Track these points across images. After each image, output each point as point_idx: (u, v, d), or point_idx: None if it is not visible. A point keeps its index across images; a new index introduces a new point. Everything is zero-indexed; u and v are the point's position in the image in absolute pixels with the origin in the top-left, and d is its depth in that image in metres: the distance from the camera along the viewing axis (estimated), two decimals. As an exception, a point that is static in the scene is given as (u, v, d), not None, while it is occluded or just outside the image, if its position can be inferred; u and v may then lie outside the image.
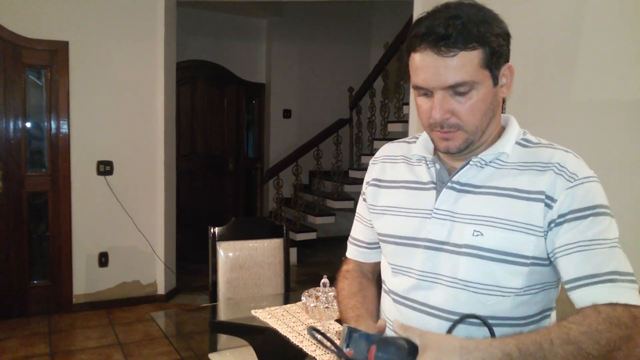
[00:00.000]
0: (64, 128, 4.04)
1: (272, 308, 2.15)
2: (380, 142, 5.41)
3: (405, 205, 1.15)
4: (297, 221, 5.82)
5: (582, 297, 0.97)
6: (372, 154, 4.67)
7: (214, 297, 2.46)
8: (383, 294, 1.22)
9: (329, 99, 6.51)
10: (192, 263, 5.08)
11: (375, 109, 5.95)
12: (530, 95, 2.85)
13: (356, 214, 1.34)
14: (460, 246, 1.04)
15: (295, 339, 1.83)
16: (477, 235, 1.03)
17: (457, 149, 1.06)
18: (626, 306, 0.93)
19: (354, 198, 5.92)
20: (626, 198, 2.39)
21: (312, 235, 5.81)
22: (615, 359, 0.91)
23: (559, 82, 2.68)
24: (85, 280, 4.17)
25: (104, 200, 4.17)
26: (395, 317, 1.12)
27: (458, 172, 1.09)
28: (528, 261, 1.01)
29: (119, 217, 4.22)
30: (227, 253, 2.47)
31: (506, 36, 1.04)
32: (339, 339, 1.85)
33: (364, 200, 1.29)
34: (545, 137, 2.69)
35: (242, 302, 2.41)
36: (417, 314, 1.09)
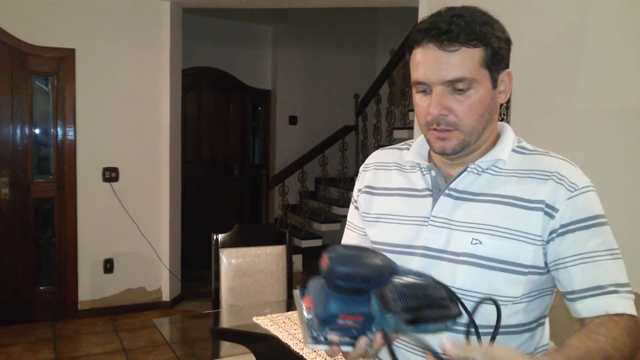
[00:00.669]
0: (70, 134, 4.07)
1: (274, 315, 2.15)
2: (385, 148, 5.38)
3: (400, 213, 1.13)
4: (302, 228, 5.81)
5: (588, 308, 0.98)
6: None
7: (216, 304, 2.46)
8: None
9: (335, 106, 6.51)
10: (198, 269, 5.08)
11: (381, 115, 5.94)
12: (533, 101, 2.85)
13: (347, 223, 1.31)
14: (458, 254, 1.03)
15: (295, 346, 1.82)
16: (476, 243, 1.01)
17: (452, 149, 1.04)
18: (631, 317, 0.96)
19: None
20: (628, 203, 2.37)
21: (317, 242, 5.80)
22: None
23: (562, 88, 2.68)
24: (91, 287, 4.19)
25: (109, 207, 4.19)
26: None
27: (455, 179, 1.08)
28: (526, 270, 1.00)
29: (124, 224, 4.24)
30: (230, 260, 2.47)
31: (507, 42, 1.05)
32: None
33: (356, 208, 1.26)
34: (548, 142, 2.67)
35: (245, 309, 2.41)
36: None
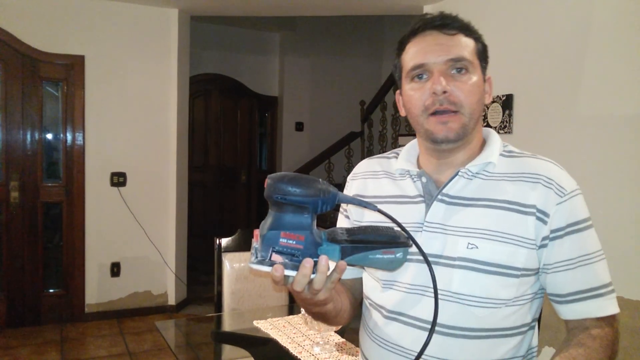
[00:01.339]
0: (79, 140, 4.14)
1: (274, 319, 2.18)
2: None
3: None
4: (308, 233, 5.82)
5: (571, 311, 1.05)
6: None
7: (219, 307, 2.50)
8: (369, 309, 1.20)
9: (341, 112, 6.55)
10: (204, 274, 5.13)
11: (387, 122, 5.96)
12: (536, 109, 2.86)
13: None
14: (454, 259, 1.04)
15: (294, 350, 1.85)
16: (471, 248, 1.03)
17: (455, 134, 1.05)
18: (610, 319, 1.05)
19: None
20: (631, 210, 2.38)
21: (322, 247, 5.82)
22: None
23: (564, 96, 2.69)
24: (98, 290, 4.24)
25: (116, 211, 4.25)
26: (387, 333, 1.12)
27: (447, 184, 1.10)
28: (519, 273, 1.03)
29: (131, 228, 4.30)
30: (233, 264, 2.50)
31: (487, 53, 1.12)
32: (337, 350, 1.87)
33: (347, 217, 1.27)
34: (550, 149, 2.70)
35: (246, 313, 2.44)
36: (407, 327, 1.08)
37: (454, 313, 1.04)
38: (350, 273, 1.26)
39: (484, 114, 3.10)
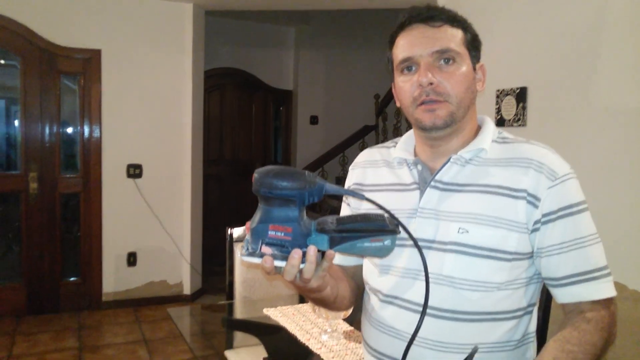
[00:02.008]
0: (96, 132, 4.20)
1: (284, 307, 2.21)
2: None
3: (389, 207, 1.18)
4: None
5: (566, 295, 1.07)
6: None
7: (230, 297, 2.54)
8: (369, 294, 1.23)
9: (355, 106, 6.55)
10: (219, 265, 5.15)
11: (401, 115, 5.95)
12: (551, 101, 2.84)
13: None
14: (446, 243, 1.07)
15: (302, 338, 1.88)
16: (462, 232, 1.05)
17: (442, 121, 1.08)
18: (605, 302, 1.05)
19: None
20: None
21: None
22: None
23: (578, 88, 2.67)
24: (115, 279, 4.32)
25: (132, 202, 4.32)
26: (383, 316, 1.15)
27: (439, 171, 1.12)
28: (510, 257, 1.05)
29: (147, 219, 4.36)
30: (244, 254, 2.54)
31: (479, 41, 1.15)
32: (345, 338, 1.89)
33: (348, 205, 1.30)
34: (563, 141, 2.68)
35: (257, 301, 2.48)
36: (401, 311, 1.11)
37: (446, 296, 1.06)
38: (351, 260, 1.29)
39: (498, 106, 3.09)
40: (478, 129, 1.18)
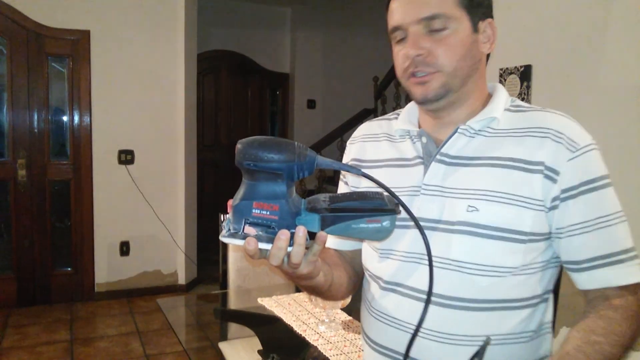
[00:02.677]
0: (85, 117, 4.08)
1: (280, 297, 2.11)
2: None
3: (390, 184, 1.05)
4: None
5: (590, 280, 0.95)
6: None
7: (224, 286, 2.44)
8: (369, 281, 1.12)
9: (354, 89, 6.42)
10: (215, 254, 5.05)
11: (401, 98, 5.83)
12: (556, 80, 2.74)
13: None
14: (453, 223, 0.95)
15: (299, 328, 1.78)
16: (471, 210, 0.94)
17: (434, 93, 0.98)
18: (634, 287, 0.94)
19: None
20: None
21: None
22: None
23: (587, 66, 2.57)
24: (107, 269, 4.21)
25: (125, 190, 4.20)
26: (384, 306, 1.04)
27: (445, 143, 1.01)
28: (526, 237, 0.93)
29: (140, 207, 4.24)
30: (238, 241, 2.43)
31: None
32: (344, 328, 1.78)
33: (345, 183, 1.19)
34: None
35: (252, 290, 2.38)
36: (404, 299, 1.00)
37: (453, 282, 0.95)
38: (349, 244, 1.19)
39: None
40: (488, 97, 1.05)
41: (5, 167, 3.92)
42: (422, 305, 0.94)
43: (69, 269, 4.16)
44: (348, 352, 1.59)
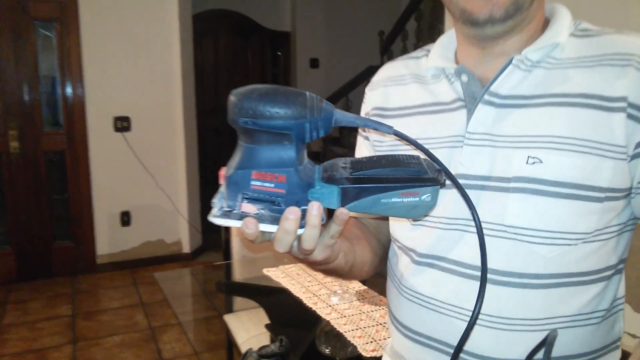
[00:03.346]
0: (77, 83, 3.88)
1: (287, 266, 1.94)
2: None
3: (424, 135, 0.84)
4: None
5: None
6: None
7: (228, 256, 2.28)
8: (397, 254, 0.91)
9: (359, 45, 6.15)
10: (220, 220, 4.94)
11: (408, 53, 5.59)
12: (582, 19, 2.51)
13: None
14: (509, 180, 0.74)
15: (308, 301, 1.61)
16: (533, 162, 0.73)
17: (503, 11, 0.74)
18: None
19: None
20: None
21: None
22: None
23: (615, 5, 2.33)
24: (109, 240, 4.07)
25: (123, 158, 4.02)
26: (419, 283, 0.83)
27: (496, 79, 0.78)
28: (603, 195, 0.72)
29: (140, 175, 4.08)
30: (240, 207, 2.26)
31: None
32: (358, 300, 1.62)
33: (366, 138, 0.98)
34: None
35: (258, 260, 2.22)
36: (444, 275, 0.80)
37: (509, 254, 0.74)
38: None
39: None
40: (546, 23, 0.82)
41: (-4, 139, 3.74)
42: (468, 283, 0.75)
43: (69, 241, 4.02)
44: (364, 327, 1.42)
